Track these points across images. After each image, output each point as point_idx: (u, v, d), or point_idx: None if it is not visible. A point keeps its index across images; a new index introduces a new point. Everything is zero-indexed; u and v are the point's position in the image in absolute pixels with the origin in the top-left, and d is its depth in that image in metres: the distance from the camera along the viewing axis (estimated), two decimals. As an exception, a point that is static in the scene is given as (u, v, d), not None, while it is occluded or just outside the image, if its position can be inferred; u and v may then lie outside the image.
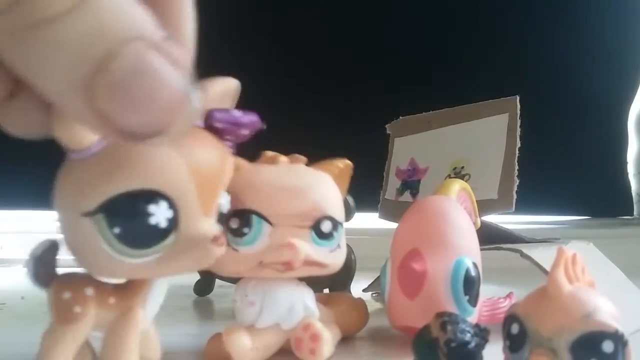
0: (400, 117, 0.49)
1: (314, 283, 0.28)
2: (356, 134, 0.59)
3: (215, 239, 0.20)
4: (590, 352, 0.18)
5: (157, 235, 0.19)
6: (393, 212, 0.46)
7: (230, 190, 0.25)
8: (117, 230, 0.19)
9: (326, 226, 0.26)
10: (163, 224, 0.19)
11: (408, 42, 0.76)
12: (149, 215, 0.19)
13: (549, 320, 0.18)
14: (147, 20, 0.15)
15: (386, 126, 0.50)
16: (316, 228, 0.26)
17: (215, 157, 0.21)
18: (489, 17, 0.79)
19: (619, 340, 0.18)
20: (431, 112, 0.47)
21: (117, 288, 0.22)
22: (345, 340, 0.29)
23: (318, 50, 0.64)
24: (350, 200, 0.33)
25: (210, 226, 0.21)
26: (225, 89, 0.21)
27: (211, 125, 0.21)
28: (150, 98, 0.15)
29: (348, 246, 0.32)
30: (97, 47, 0.14)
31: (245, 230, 0.25)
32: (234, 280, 0.28)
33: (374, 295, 0.43)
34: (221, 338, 0.26)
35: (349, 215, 0.33)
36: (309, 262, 0.26)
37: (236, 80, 0.21)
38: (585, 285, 0.20)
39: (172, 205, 0.19)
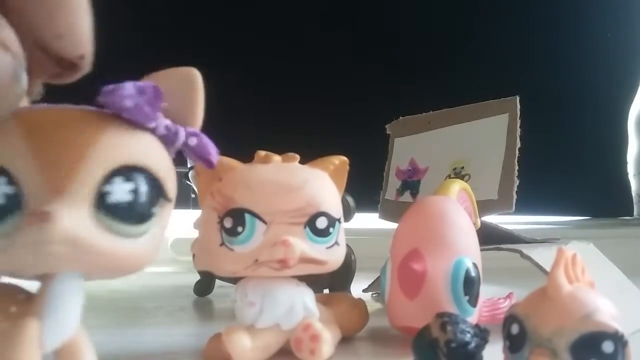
0: (400, 117, 0.49)
1: (314, 283, 0.28)
2: (356, 134, 0.59)
3: (37, 214, 0.17)
4: (590, 353, 0.18)
5: None
6: (393, 212, 0.46)
7: (223, 190, 0.25)
8: None
9: (321, 222, 0.26)
10: (1, 200, 0.17)
11: (408, 42, 0.76)
12: None
13: (549, 320, 0.18)
14: None
15: (386, 126, 0.50)
16: (311, 224, 0.26)
17: (68, 131, 0.18)
18: (489, 18, 0.79)
19: (619, 340, 0.18)
20: (431, 112, 0.47)
21: (24, 297, 0.19)
22: (345, 340, 0.29)
23: (318, 50, 0.64)
24: (351, 200, 0.33)
25: (56, 207, 0.17)
26: (181, 78, 0.20)
27: (102, 102, 0.19)
28: None
29: (348, 246, 0.32)
30: None
31: (239, 229, 0.25)
32: (234, 281, 0.28)
33: (374, 295, 0.43)
34: (221, 338, 0.26)
35: (349, 215, 0.33)
36: (305, 260, 0.26)
37: (194, 69, 0.20)
38: (585, 286, 0.20)
39: (12, 180, 0.17)
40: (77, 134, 0.18)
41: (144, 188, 0.18)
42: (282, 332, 0.26)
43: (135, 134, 0.19)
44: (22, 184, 0.17)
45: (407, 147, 0.48)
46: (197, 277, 0.45)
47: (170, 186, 0.20)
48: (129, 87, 0.18)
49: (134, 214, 0.18)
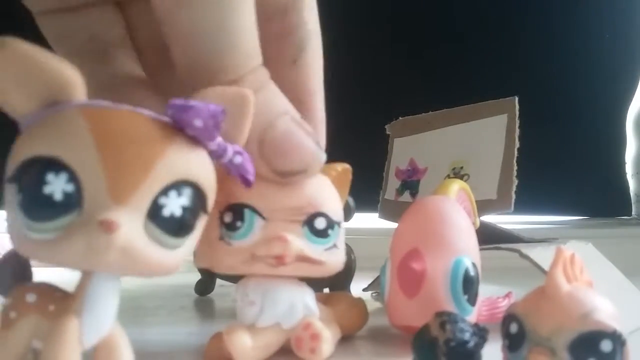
0: (400, 118, 0.49)
1: (314, 283, 0.29)
2: (356, 134, 0.59)
3: (102, 223, 0.17)
4: (588, 352, 0.18)
5: (52, 208, 0.17)
6: (393, 212, 0.46)
7: (224, 186, 0.25)
8: (20, 196, 0.18)
9: (320, 223, 0.26)
10: (58, 195, 0.17)
11: (407, 43, 0.77)
12: (43, 183, 0.17)
13: (548, 319, 0.19)
14: (286, 102, 0.24)
15: (386, 126, 0.50)
16: (310, 224, 0.26)
17: (139, 139, 0.18)
18: (488, 18, 0.79)
19: (618, 339, 0.18)
20: (430, 112, 0.47)
21: (61, 295, 0.20)
22: (345, 339, 0.30)
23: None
24: (350, 200, 0.33)
25: (119, 215, 0.17)
26: (235, 98, 0.21)
27: (170, 116, 0.19)
28: (293, 151, 0.24)
29: (348, 246, 0.32)
30: (265, 115, 0.23)
31: (238, 224, 0.25)
32: (235, 280, 0.28)
33: (373, 294, 0.43)
34: (222, 337, 0.26)
35: (349, 215, 0.33)
36: (302, 258, 0.26)
37: (248, 91, 0.20)
38: (584, 285, 0.20)
39: (73, 178, 0.17)
40: (146, 147, 0.18)
41: (192, 203, 0.19)
42: (282, 331, 0.27)
43: (193, 149, 0.19)
44: (83, 185, 0.17)
45: (406, 148, 0.48)
46: (198, 277, 0.45)
47: (212, 200, 0.20)
48: (201, 108, 0.19)
49: (181, 228, 0.19)
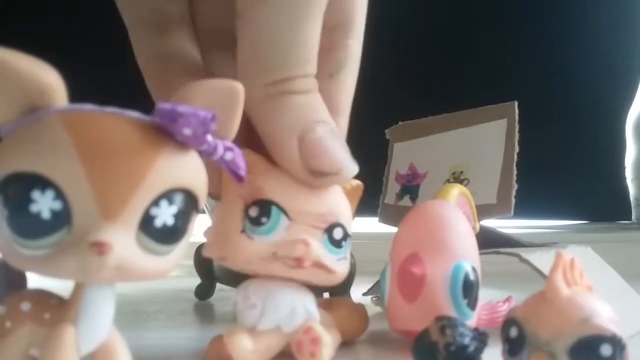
0: (400, 123, 0.50)
1: (315, 287, 0.29)
2: (356, 138, 0.59)
3: (93, 245, 0.16)
4: (588, 356, 0.18)
5: (40, 227, 0.17)
6: (393, 216, 0.46)
7: (253, 181, 0.26)
8: (6, 212, 0.17)
9: (338, 233, 0.27)
10: (46, 214, 0.17)
11: (407, 47, 0.77)
12: (30, 201, 0.17)
13: (548, 324, 0.19)
14: (327, 114, 0.26)
15: (385, 131, 0.50)
16: (329, 233, 0.27)
17: (126, 150, 0.17)
18: (487, 22, 0.79)
19: (617, 344, 0.18)
20: (430, 117, 0.47)
21: (56, 302, 0.20)
22: (346, 343, 0.30)
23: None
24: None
25: (109, 234, 0.17)
26: (224, 91, 0.20)
27: (158, 122, 0.18)
28: (328, 154, 0.25)
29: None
30: (308, 117, 0.25)
31: (264, 220, 0.25)
32: (235, 284, 0.28)
33: (373, 299, 0.43)
34: (222, 340, 0.26)
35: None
36: (318, 264, 0.26)
37: (238, 83, 0.20)
38: (584, 290, 0.20)
39: (60, 196, 0.17)
40: (135, 158, 0.17)
41: (184, 209, 0.19)
42: (283, 335, 0.27)
43: (183, 153, 0.19)
44: (70, 202, 0.17)
45: (406, 152, 0.48)
46: (198, 281, 0.45)
47: (203, 199, 0.20)
48: (190, 116, 0.18)
49: (173, 236, 0.19)
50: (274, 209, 0.26)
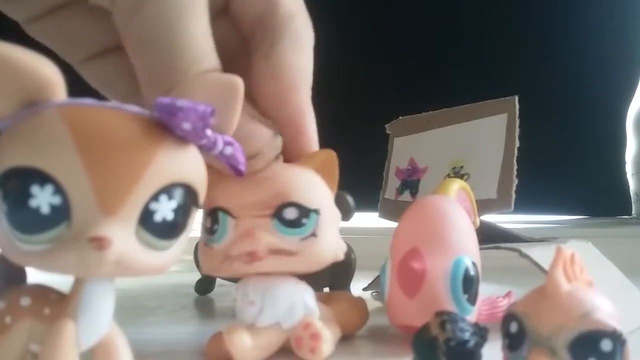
0: (400, 117, 0.49)
1: (314, 282, 0.29)
2: (356, 133, 0.59)
3: (93, 240, 0.16)
4: (588, 351, 0.18)
5: (40, 222, 0.17)
6: (393, 211, 0.46)
7: (208, 193, 0.26)
8: (5, 207, 0.17)
9: (290, 213, 0.26)
10: (45, 209, 0.16)
11: (408, 42, 0.77)
12: (29, 196, 0.16)
13: (548, 319, 0.19)
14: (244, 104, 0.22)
15: (386, 126, 0.50)
16: (279, 215, 0.26)
17: (125, 145, 0.17)
18: (488, 17, 0.79)
19: (617, 339, 0.18)
20: (430, 112, 0.47)
21: (56, 298, 0.20)
22: (345, 338, 0.30)
23: (317, 50, 0.64)
24: (350, 199, 0.33)
25: (109, 229, 0.17)
26: (224, 86, 0.20)
27: (158, 116, 0.18)
28: (243, 139, 0.22)
29: (348, 245, 0.32)
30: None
31: (215, 227, 0.26)
32: (235, 280, 0.28)
33: (373, 294, 0.43)
34: (222, 337, 0.26)
35: (348, 214, 0.33)
36: (275, 251, 0.26)
37: (238, 78, 0.20)
38: (584, 285, 0.20)
39: (59, 190, 0.17)
40: (134, 153, 0.17)
41: (184, 204, 0.19)
42: (282, 331, 0.27)
43: (182, 148, 0.19)
44: (70, 197, 0.17)
45: (406, 147, 0.48)
46: (198, 276, 0.45)
47: (203, 194, 0.20)
48: (189, 110, 0.18)
49: (172, 230, 0.18)
50: (220, 214, 0.26)
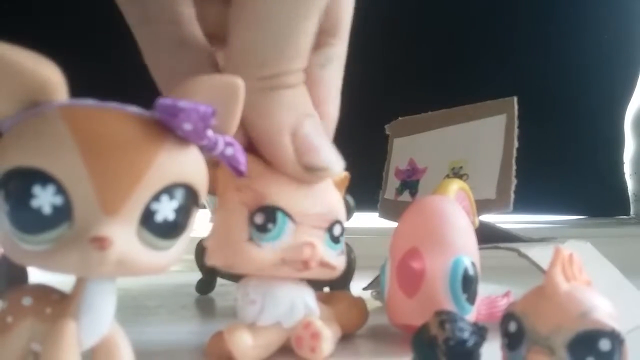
0: (400, 118, 0.50)
1: (314, 282, 0.29)
2: (356, 134, 0.59)
3: (94, 240, 0.17)
4: (587, 351, 0.18)
5: (41, 222, 0.17)
6: (392, 211, 0.47)
7: (254, 186, 0.26)
8: (7, 207, 0.17)
9: (337, 230, 0.27)
10: (47, 209, 0.17)
11: (407, 43, 0.77)
12: (31, 196, 0.17)
13: (546, 318, 0.19)
14: (312, 107, 0.26)
15: (385, 126, 0.50)
16: (330, 231, 0.27)
17: (127, 145, 0.17)
18: (487, 18, 0.79)
19: (616, 338, 0.18)
20: (430, 113, 0.47)
21: (58, 297, 0.20)
22: (345, 338, 0.30)
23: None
24: (350, 199, 0.33)
25: (110, 229, 0.17)
26: (225, 87, 0.20)
27: (159, 117, 0.18)
28: (321, 148, 0.26)
29: (348, 245, 0.33)
30: (296, 111, 0.25)
31: (270, 226, 0.25)
32: (236, 279, 0.28)
33: (373, 293, 0.43)
34: (223, 336, 0.26)
35: (348, 214, 0.33)
36: (323, 264, 0.27)
37: (239, 79, 0.20)
38: (582, 284, 0.20)
39: (61, 191, 0.17)
40: (135, 153, 0.17)
41: (185, 204, 0.19)
42: (283, 330, 0.27)
43: (183, 148, 0.19)
44: (71, 197, 0.17)
45: (406, 148, 0.48)
46: (199, 276, 0.45)
47: (204, 194, 0.20)
48: (190, 111, 0.18)
49: (173, 230, 0.19)
50: (280, 214, 0.26)
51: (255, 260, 0.25)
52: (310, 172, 0.26)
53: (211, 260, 0.26)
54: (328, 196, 0.27)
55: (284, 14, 0.24)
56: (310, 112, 0.26)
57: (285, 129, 0.25)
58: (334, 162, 0.26)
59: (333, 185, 0.28)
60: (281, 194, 0.26)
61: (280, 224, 0.26)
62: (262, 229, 0.25)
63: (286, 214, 0.26)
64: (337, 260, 0.28)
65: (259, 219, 0.25)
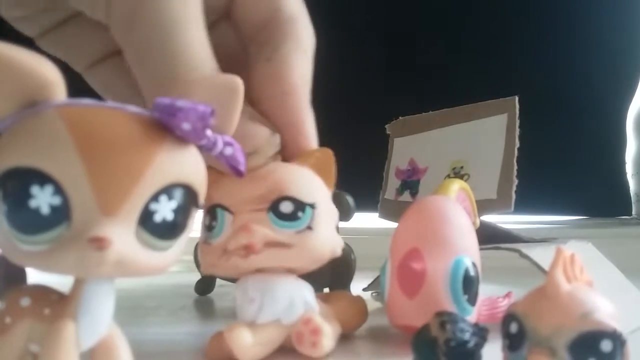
0: (400, 117, 0.49)
1: (314, 282, 0.29)
2: (356, 134, 0.59)
3: (93, 241, 0.16)
4: (588, 351, 0.18)
5: (40, 222, 0.17)
6: (393, 211, 0.46)
7: (207, 192, 0.26)
8: (5, 208, 0.17)
9: (286, 207, 0.26)
10: (45, 209, 0.16)
11: (407, 43, 0.77)
12: (29, 196, 0.16)
13: (548, 319, 0.19)
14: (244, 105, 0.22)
15: (386, 126, 0.50)
16: (274, 209, 0.26)
17: (125, 145, 0.17)
18: (488, 17, 0.79)
19: (617, 339, 0.18)
20: (431, 112, 0.47)
21: (56, 298, 0.19)
22: (345, 338, 0.30)
23: (318, 51, 0.64)
24: (350, 199, 0.33)
25: (109, 229, 0.17)
26: (225, 87, 0.20)
27: (158, 117, 0.18)
28: (242, 138, 0.22)
29: (348, 245, 0.32)
30: None
31: (213, 224, 0.27)
32: (235, 280, 0.28)
33: (373, 294, 0.43)
34: (223, 336, 0.26)
35: (348, 214, 0.33)
36: (271, 244, 0.26)
37: (238, 78, 0.20)
38: (584, 285, 0.20)
39: (59, 190, 0.17)
40: (134, 153, 0.17)
41: (184, 204, 0.18)
42: (283, 327, 0.27)
43: (182, 148, 0.19)
44: (69, 197, 0.17)
45: (406, 147, 0.48)
46: (198, 276, 0.45)
47: (203, 194, 0.20)
48: (189, 110, 0.18)
49: (172, 230, 0.18)
50: (218, 210, 0.27)
51: (207, 258, 0.27)
52: None
53: (201, 268, 0.29)
54: (270, 176, 0.27)
55: (155, 39, 0.24)
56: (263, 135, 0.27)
57: None
58: (263, 144, 0.27)
59: (295, 166, 0.28)
60: (220, 191, 0.27)
61: (220, 218, 0.27)
62: (209, 228, 0.27)
63: (223, 208, 0.27)
64: (297, 239, 0.26)
65: (206, 220, 0.27)
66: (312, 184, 0.28)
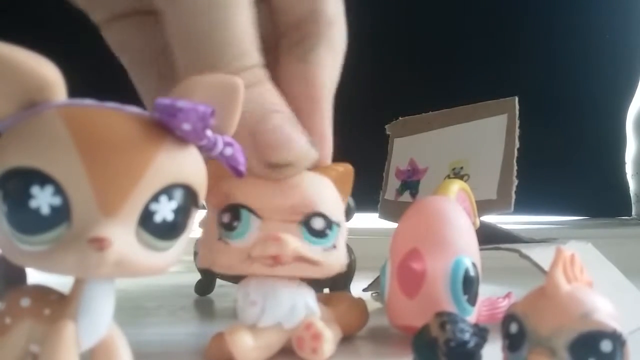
0: (400, 118, 0.50)
1: (315, 283, 0.29)
2: (356, 134, 0.59)
3: (93, 241, 0.16)
4: (588, 352, 0.18)
5: (40, 222, 0.17)
6: (393, 212, 0.46)
7: (222, 188, 0.25)
8: (5, 208, 0.17)
9: (317, 223, 0.26)
10: (45, 210, 0.17)
11: (407, 42, 0.77)
12: (29, 197, 0.16)
13: (548, 319, 0.19)
14: (282, 103, 0.26)
15: (386, 127, 0.50)
16: (306, 224, 0.26)
17: (125, 145, 0.17)
18: (488, 18, 0.79)
19: (617, 339, 0.18)
20: (430, 113, 0.47)
21: (56, 298, 0.19)
22: (346, 338, 0.30)
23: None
24: (351, 200, 0.33)
25: (109, 229, 0.17)
26: (224, 87, 0.20)
27: (158, 117, 0.18)
28: (283, 144, 0.25)
29: (348, 246, 0.32)
30: (258, 109, 0.25)
31: (235, 224, 0.26)
32: (235, 280, 0.28)
33: (373, 294, 0.43)
34: (223, 337, 0.26)
35: (349, 215, 0.33)
36: (300, 259, 0.26)
37: (239, 79, 0.20)
38: (584, 285, 0.20)
39: (59, 191, 0.17)
40: (134, 154, 0.17)
41: (184, 204, 0.18)
42: (283, 331, 0.27)
43: (182, 148, 0.19)
44: (70, 198, 0.17)
45: (406, 148, 0.48)
46: (198, 277, 0.45)
47: (203, 195, 0.20)
48: (189, 111, 0.18)
49: (172, 231, 0.18)
50: (243, 212, 0.26)
51: (224, 258, 0.26)
52: (274, 170, 0.25)
53: (199, 262, 0.27)
54: (304, 189, 0.26)
55: (202, 20, 0.23)
56: (276, 107, 0.25)
57: (242, 128, 0.23)
58: (300, 156, 0.25)
59: (323, 179, 0.27)
60: (245, 191, 0.26)
61: (245, 220, 0.26)
62: (229, 227, 0.26)
63: (249, 210, 0.26)
64: (323, 256, 0.27)
65: (225, 218, 0.26)
66: (338, 202, 0.28)
